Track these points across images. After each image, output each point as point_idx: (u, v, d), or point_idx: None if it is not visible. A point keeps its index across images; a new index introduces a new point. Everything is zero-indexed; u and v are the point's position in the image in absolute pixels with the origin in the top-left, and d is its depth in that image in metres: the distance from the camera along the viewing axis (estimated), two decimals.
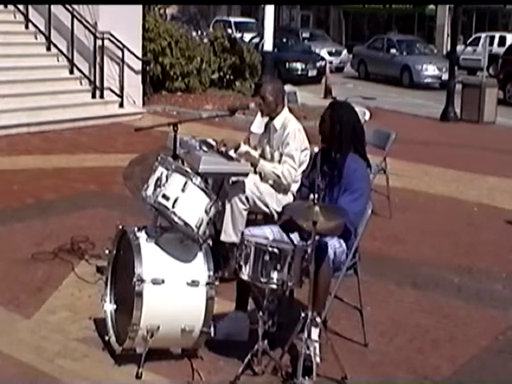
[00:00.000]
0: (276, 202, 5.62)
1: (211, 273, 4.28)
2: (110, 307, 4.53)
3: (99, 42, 13.07)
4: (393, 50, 26.36)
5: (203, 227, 4.26)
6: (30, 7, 13.59)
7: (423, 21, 43.41)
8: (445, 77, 20.98)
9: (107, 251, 4.65)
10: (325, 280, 4.29)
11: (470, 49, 30.35)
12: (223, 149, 5.50)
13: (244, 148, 5.90)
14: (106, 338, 4.41)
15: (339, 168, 4.55)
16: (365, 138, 4.81)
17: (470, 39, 31.81)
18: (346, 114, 4.67)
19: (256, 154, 5.95)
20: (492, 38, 30.33)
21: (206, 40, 18.25)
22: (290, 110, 5.99)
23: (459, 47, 18.08)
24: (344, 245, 4.54)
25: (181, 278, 4.23)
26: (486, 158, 11.96)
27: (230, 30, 25.67)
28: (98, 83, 13.17)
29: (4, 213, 7.17)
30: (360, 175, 4.57)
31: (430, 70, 24.54)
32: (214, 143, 5.65)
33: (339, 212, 4.34)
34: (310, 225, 4.06)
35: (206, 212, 4.25)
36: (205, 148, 5.42)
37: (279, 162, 5.69)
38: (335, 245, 4.46)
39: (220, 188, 5.57)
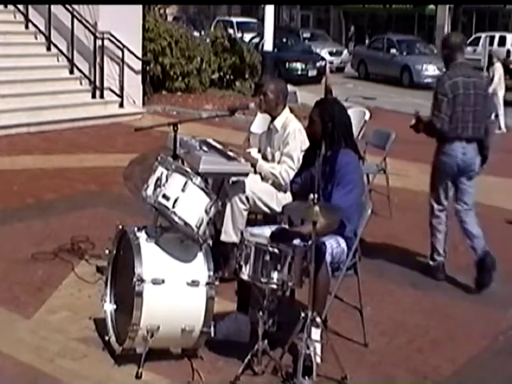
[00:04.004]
0: (276, 202, 5.62)
1: (211, 273, 4.28)
2: (109, 307, 4.53)
3: (99, 42, 13.06)
4: (393, 50, 26.27)
5: (203, 227, 4.26)
6: (30, 7, 13.59)
7: (423, 21, 43.40)
8: None
9: (107, 251, 4.65)
10: (323, 280, 4.29)
11: (469, 49, 30.34)
12: (231, 153, 5.47)
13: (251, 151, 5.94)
14: (106, 338, 4.41)
15: (332, 164, 4.55)
16: (352, 130, 4.84)
17: (470, 39, 31.80)
18: (337, 112, 4.67)
19: (256, 153, 5.96)
20: (492, 38, 30.34)
21: (207, 40, 18.25)
22: (291, 110, 5.99)
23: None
24: (343, 244, 4.54)
25: (181, 277, 4.23)
26: None
27: (231, 30, 25.68)
28: (98, 83, 13.16)
29: (4, 213, 7.16)
30: (352, 168, 4.58)
31: (430, 70, 24.44)
32: (220, 146, 5.62)
33: (338, 211, 4.34)
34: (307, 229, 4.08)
35: (206, 212, 4.25)
36: (205, 148, 5.41)
37: (280, 162, 5.69)
38: (333, 245, 4.47)
39: (220, 188, 5.57)
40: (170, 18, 23.60)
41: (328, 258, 4.37)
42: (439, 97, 5.81)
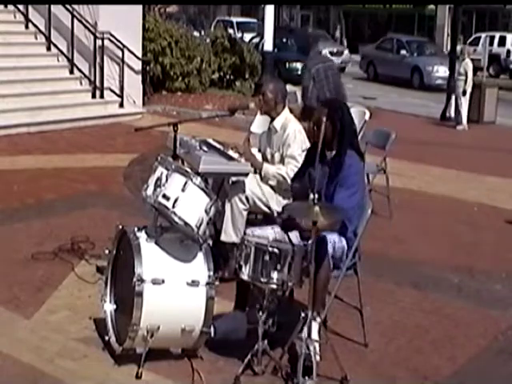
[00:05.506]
0: (276, 201, 5.62)
1: (211, 273, 4.28)
2: (109, 307, 4.53)
3: (99, 42, 13.06)
4: (403, 51, 25.92)
5: (203, 227, 4.26)
6: (29, 7, 13.58)
7: (423, 21, 43.40)
8: None
9: (107, 251, 4.65)
10: (324, 277, 4.29)
11: (470, 48, 30.28)
12: (234, 154, 5.47)
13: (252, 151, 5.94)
14: (106, 338, 4.41)
15: (337, 165, 4.54)
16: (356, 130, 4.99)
17: (470, 39, 31.79)
18: (345, 112, 4.67)
19: (256, 153, 5.96)
20: (492, 38, 30.33)
21: (207, 40, 18.25)
22: (291, 111, 5.98)
23: (459, 47, 18.02)
24: (344, 241, 4.54)
25: (181, 277, 4.23)
26: (486, 157, 11.96)
27: (231, 30, 25.65)
28: (98, 83, 13.16)
29: (4, 213, 7.16)
30: (355, 170, 4.56)
31: (441, 72, 23.71)
32: (220, 146, 5.62)
33: (338, 211, 4.34)
34: (309, 223, 4.07)
35: (206, 212, 4.25)
36: (205, 148, 5.41)
37: (279, 162, 5.69)
38: (335, 239, 4.46)
39: (220, 188, 5.56)
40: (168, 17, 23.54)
41: (330, 250, 4.36)
42: (306, 83, 7.55)
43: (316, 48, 8.08)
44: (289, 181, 5.54)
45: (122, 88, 13.35)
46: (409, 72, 24.85)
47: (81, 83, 13.26)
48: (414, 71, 24.74)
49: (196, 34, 20.40)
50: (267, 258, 4.07)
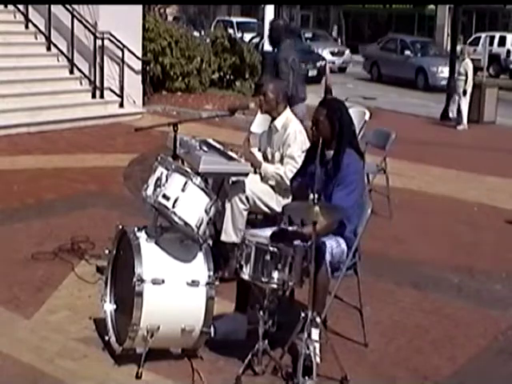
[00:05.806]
0: (276, 202, 5.62)
1: (211, 273, 4.28)
2: (109, 307, 4.53)
3: (99, 42, 13.05)
4: (407, 52, 25.71)
5: (203, 227, 4.26)
6: (30, 7, 13.57)
7: (423, 21, 43.41)
8: None
9: (107, 251, 4.65)
10: (323, 280, 4.29)
11: (470, 48, 30.23)
12: (233, 154, 5.47)
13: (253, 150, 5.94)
14: (106, 338, 4.41)
15: (336, 164, 4.54)
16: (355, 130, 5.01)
17: (470, 39, 31.78)
18: (343, 112, 4.67)
19: (256, 152, 5.97)
20: (492, 38, 30.31)
21: (207, 40, 18.25)
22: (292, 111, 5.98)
23: (459, 47, 18.01)
24: (343, 244, 4.54)
25: (181, 277, 4.23)
26: (486, 157, 11.96)
27: (231, 30, 25.64)
28: (98, 83, 13.15)
29: (4, 213, 7.16)
30: (353, 169, 4.56)
31: (446, 72, 23.59)
32: (220, 146, 5.62)
33: (338, 211, 4.34)
34: (310, 230, 4.07)
35: (206, 212, 4.25)
36: (205, 148, 5.41)
37: (279, 162, 5.69)
38: (332, 245, 4.46)
39: (220, 188, 5.56)
40: (169, 18, 23.56)
41: (328, 257, 4.37)
42: (285, 70, 8.06)
43: (287, 40, 8.62)
44: (286, 181, 5.54)
45: (122, 88, 13.34)
46: (413, 73, 24.52)
47: (81, 83, 13.26)
48: (419, 72, 24.45)
49: (196, 33, 20.39)
50: (268, 257, 4.07)
